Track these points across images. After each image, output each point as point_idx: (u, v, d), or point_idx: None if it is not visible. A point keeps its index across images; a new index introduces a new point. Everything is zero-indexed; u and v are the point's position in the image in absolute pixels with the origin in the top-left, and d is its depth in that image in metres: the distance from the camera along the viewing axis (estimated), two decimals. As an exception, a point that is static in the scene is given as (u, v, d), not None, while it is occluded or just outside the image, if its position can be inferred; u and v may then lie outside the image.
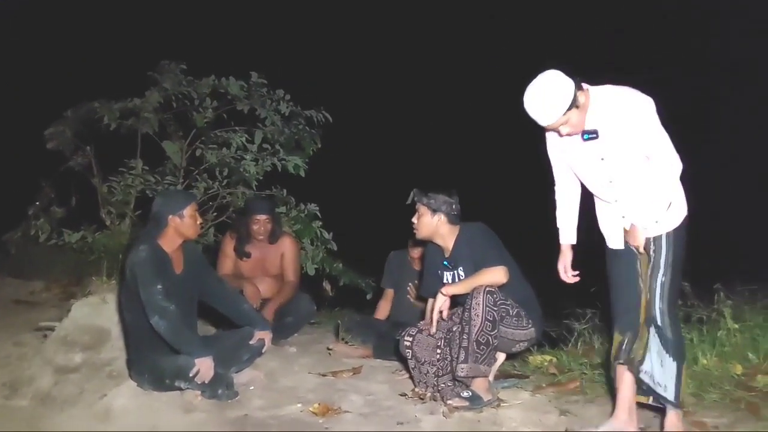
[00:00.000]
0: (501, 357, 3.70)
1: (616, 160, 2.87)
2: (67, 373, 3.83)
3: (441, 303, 3.50)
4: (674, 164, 2.77)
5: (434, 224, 3.68)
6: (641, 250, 2.88)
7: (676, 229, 2.85)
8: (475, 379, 3.38)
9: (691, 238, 2.92)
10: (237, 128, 6.55)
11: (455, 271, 3.66)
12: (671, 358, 2.82)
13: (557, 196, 3.24)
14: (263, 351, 3.87)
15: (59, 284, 6.23)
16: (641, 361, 2.87)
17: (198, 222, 3.65)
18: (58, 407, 3.57)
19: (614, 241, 3.04)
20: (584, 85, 2.84)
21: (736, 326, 3.82)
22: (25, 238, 6.43)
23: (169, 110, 6.55)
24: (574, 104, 2.76)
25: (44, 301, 5.92)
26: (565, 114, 2.77)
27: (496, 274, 3.43)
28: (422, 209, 3.70)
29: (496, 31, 13.97)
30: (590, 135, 2.86)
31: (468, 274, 3.54)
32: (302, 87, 7.11)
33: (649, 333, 2.86)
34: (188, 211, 3.58)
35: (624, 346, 2.98)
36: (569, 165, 3.09)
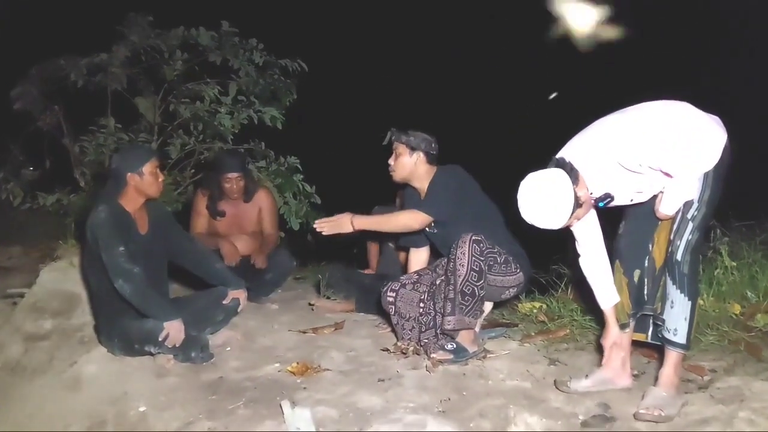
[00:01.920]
0: (488, 307, 3.56)
1: (650, 185, 2.70)
2: (37, 341, 3.68)
3: (342, 226, 3.36)
4: (689, 162, 2.55)
5: (412, 163, 3.51)
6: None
7: (715, 167, 2.61)
8: (460, 331, 3.24)
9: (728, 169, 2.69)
10: (209, 80, 6.28)
11: None
12: (686, 297, 2.63)
13: (586, 267, 2.95)
14: (239, 310, 3.71)
15: (38, 248, 6.04)
16: (660, 312, 2.75)
17: (160, 179, 3.42)
18: (27, 376, 3.44)
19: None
20: (575, 170, 2.61)
21: (734, 264, 3.67)
22: (-4, 202, 6.23)
23: (138, 65, 6.28)
24: (576, 205, 2.59)
25: (22, 265, 5.73)
26: (570, 218, 2.62)
27: (411, 219, 3.37)
28: (400, 148, 3.52)
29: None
30: (605, 201, 2.70)
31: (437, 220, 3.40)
32: (275, 35, 6.82)
33: (666, 276, 2.71)
34: (148, 167, 3.36)
35: (633, 295, 2.85)
36: None
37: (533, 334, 3.60)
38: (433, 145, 3.53)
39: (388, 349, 3.43)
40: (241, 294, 3.68)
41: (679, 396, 2.65)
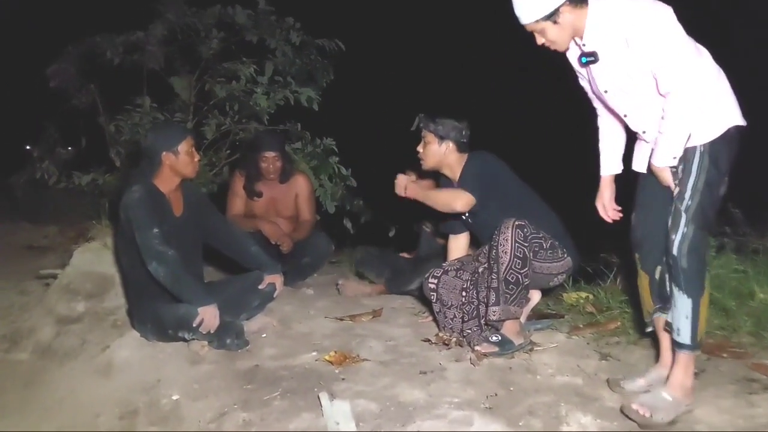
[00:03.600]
0: (536, 296, 3.40)
1: (622, 88, 2.48)
2: (69, 324, 3.61)
3: (399, 182, 3.40)
4: (684, 80, 2.30)
5: (442, 152, 3.35)
6: (671, 186, 2.47)
7: (712, 143, 2.37)
8: (504, 322, 3.07)
9: (737, 155, 2.44)
10: (245, 60, 6.16)
11: None
12: (684, 294, 2.40)
13: (598, 123, 2.81)
14: (275, 296, 3.59)
15: (74, 228, 6.02)
16: None
17: (195, 159, 3.30)
18: (58, 360, 3.36)
19: (638, 162, 2.66)
20: (588, 1, 2.41)
21: (800, 252, 3.45)
22: (31, 181, 6.21)
23: (174, 43, 6.20)
24: (551, 17, 2.39)
25: (57, 245, 5.72)
26: (538, 22, 2.42)
27: (455, 198, 3.22)
28: (429, 136, 3.36)
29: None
30: (588, 58, 2.48)
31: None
32: (313, 14, 6.67)
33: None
34: (183, 146, 3.23)
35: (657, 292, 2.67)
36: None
37: (581, 326, 3.42)
38: (463, 133, 3.36)
39: (429, 340, 3.27)
40: (277, 279, 3.56)
41: (686, 400, 2.45)
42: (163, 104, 6.33)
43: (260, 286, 3.51)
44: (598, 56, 2.46)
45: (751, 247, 3.70)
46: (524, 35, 2.54)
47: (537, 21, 2.42)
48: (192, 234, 3.39)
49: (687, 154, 2.40)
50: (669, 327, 2.53)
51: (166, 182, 3.26)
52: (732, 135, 2.39)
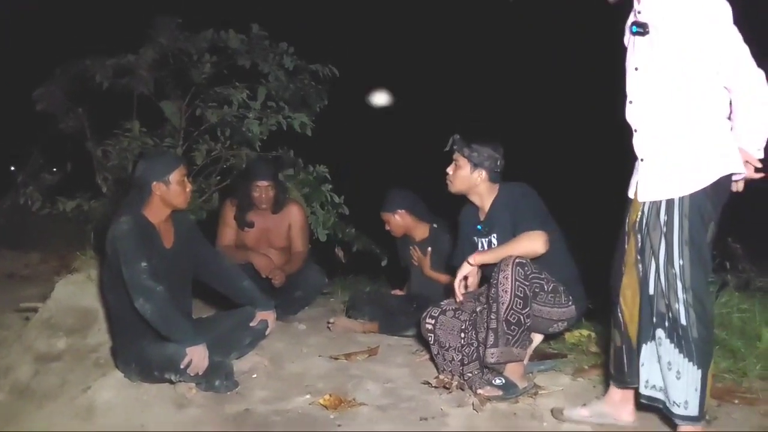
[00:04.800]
0: (537, 338, 3.25)
1: (650, 72, 2.35)
2: (49, 362, 3.43)
3: (466, 272, 3.04)
4: (759, 84, 2.23)
5: (473, 180, 3.20)
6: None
7: (700, 192, 2.26)
8: (507, 364, 2.93)
9: (726, 203, 2.34)
10: (238, 85, 6.04)
11: (489, 238, 3.19)
12: (695, 366, 2.24)
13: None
14: (267, 333, 3.43)
15: (56, 256, 5.85)
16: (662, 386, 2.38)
17: (187, 189, 3.17)
18: (36, 401, 3.16)
19: (631, 187, 2.51)
20: None
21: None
22: (14, 207, 6.04)
23: (166, 67, 6.07)
24: None
25: (38, 274, 5.55)
26: None
27: (534, 241, 2.92)
28: (461, 161, 3.20)
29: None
30: (638, 29, 2.34)
31: (502, 243, 3.06)
32: (307, 40, 6.59)
33: (654, 340, 2.34)
34: (175, 176, 3.10)
35: (615, 363, 2.55)
36: None
37: (586, 367, 3.28)
38: (498, 163, 3.21)
39: (429, 383, 3.12)
40: (269, 316, 3.41)
41: None
42: (153, 129, 6.19)
43: (252, 324, 3.36)
44: (648, 29, 2.33)
45: (754, 285, 3.59)
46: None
47: None
48: (182, 266, 3.24)
49: (669, 208, 2.30)
50: (659, 402, 2.37)
51: (156, 213, 3.12)
52: (723, 181, 2.29)
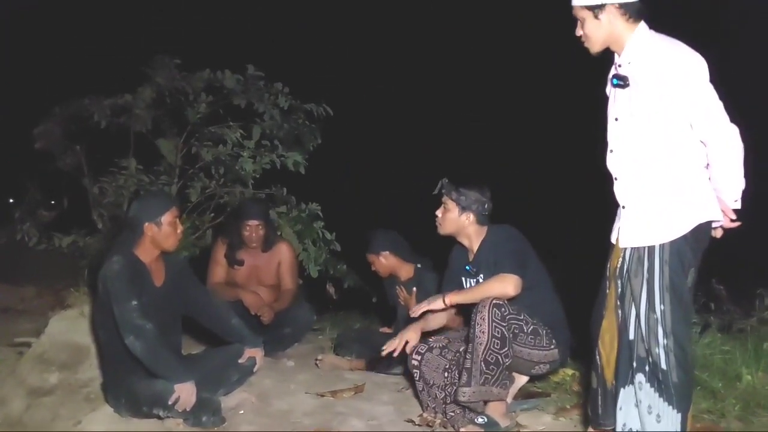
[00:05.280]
0: (521, 378, 3.30)
1: (630, 123, 2.45)
2: (41, 396, 3.48)
3: (435, 306, 3.14)
4: (732, 139, 2.34)
5: (461, 222, 3.30)
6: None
7: (680, 239, 2.35)
8: (490, 403, 3.00)
9: (705, 250, 2.44)
10: (233, 124, 6.17)
11: (478, 279, 3.27)
12: (674, 409, 2.32)
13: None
14: (255, 370, 3.50)
15: (51, 290, 5.92)
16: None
17: (178, 230, 3.26)
18: (28, 436, 3.23)
19: (613, 233, 2.59)
20: (640, 22, 2.43)
21: (785, 336, 3.42)
22: (11, 242, 6.11)
23: (163, 106, 6.20)
24: (595, 9, 2.40)
25: (33, 308, 5.61)
26: (582, 8, 2.44)
27: (504, 284, 3.01)
28: (450, 204, 3.31)
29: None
30: (619, 81, 2.45)
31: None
32: (301, 80, 6.74)
33: (633, 385, 2.42)
34: (167, 217, 3.20)
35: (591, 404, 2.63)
36: None
37: (568, 407, 3.34)
38: (485, 206, 3.31)
39: (412, 421, 3.19)
40: (257, 353, 3.48)
41: None
42: (149, 165, 6.29)
43: (240, 360, 3.42)
44: (628, 82, 2.43)
45: (736, 327, 3.67)
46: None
47: (582, 7, 2.43)
48: (172, 305, 3.33)
49: (649, 255, 2.38)
50: None
51: (147, 253, 3.22)
52: (702, 228, 2.39)
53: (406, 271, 4.32)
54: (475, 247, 3.33)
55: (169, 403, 3.02)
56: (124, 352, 3.07)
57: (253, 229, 4.35)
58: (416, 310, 3.18)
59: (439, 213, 3.37)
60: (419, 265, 4.29)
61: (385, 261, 4.31)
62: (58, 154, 6.09)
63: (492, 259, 3.20)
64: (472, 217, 3.30)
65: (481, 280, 3.25)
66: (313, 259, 6.16)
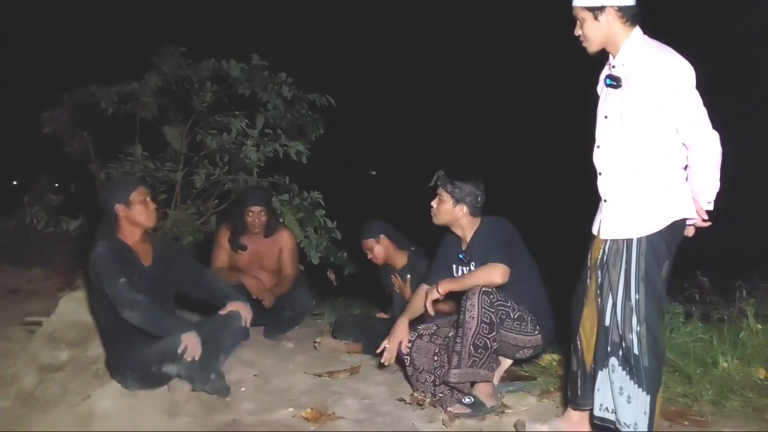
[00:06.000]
0: (506, 362, 3.48)
1: (618, 121, 2.60)
2: (52, 372, 3.66)
3: (434, 298, 3.31)
4: (713, 144, 2.51)
5: (455, 214, 3.46)
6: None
7: (655, 234, 2.52)
8: (477, 384, 3.18)
9: (678, 245, 2.60)
10: (237, 113, 6.32)
11: (469, 266, 3.44)
12: (644, 391, 2.49)
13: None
14: (244, 324, 3.44)
15: (58, 272, 6.09)
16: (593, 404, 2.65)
17: (150, 208, 3.40)
18: (40, 408, 3.40)
19: (595, 224, 2.76)
20: (635, 26, 2.58)
21: (759, 326, 3.58)
22: (20, 226, 6.28)
23: (169, 94, 6.35)
24: (595, 11, 2.55)
25: (42, 290, 5.77)
26: (583, 9, 2.58)
27: (492, 273, 3.19)
28: (444, 195, 3.47)
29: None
30: (612, 81, 2.60)
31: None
32: (305, 70, 6.88)
33: (608, 368, 2.59)
34: (136, 196, 3.35)
35: (571, 386, 2.81)
36: None
37: (552, 389, 3.52)
38: (479, 199, 3.46)
39: (404, 400, 3.36)
40: (239, 305, 3.45)
41: None
42: (155, 152, 6.44)
43: (221, 312, 3.44)
44: (621, 83, 2.57)
45: (716, 317, 3.83)
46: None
47: (582, 7, 2.58)
48: (162, 283, 3.48)
49: (627, 247, 2.54)
50: (610, 423, 2.59)
51: (129, 234, 3.38)
52: (677, 225, 2.54)
53: (400, 258, 4.48)
54: (468, 237, 3.49)
55: (179, 352, 3.14)
56: (123, 328, 3.23)
57: (255, 215, 4.52)
58: (429, 310, 3.34)
59: (434, 204, 3.52)
60: (413, 248, 4.46)
61: (382, 245, 4.47)
62: (66, 139, 6.26)
63: (483, 248, 3.36)
64: (465, 208, 3.45)
65: (473, 268, 3.41)
66: (315, 246, 6.32)
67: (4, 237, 6.49)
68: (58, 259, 6.35)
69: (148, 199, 3.42)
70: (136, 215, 3.36)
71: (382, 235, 4.47)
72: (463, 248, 3.51)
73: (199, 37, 6.89)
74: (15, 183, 7.14)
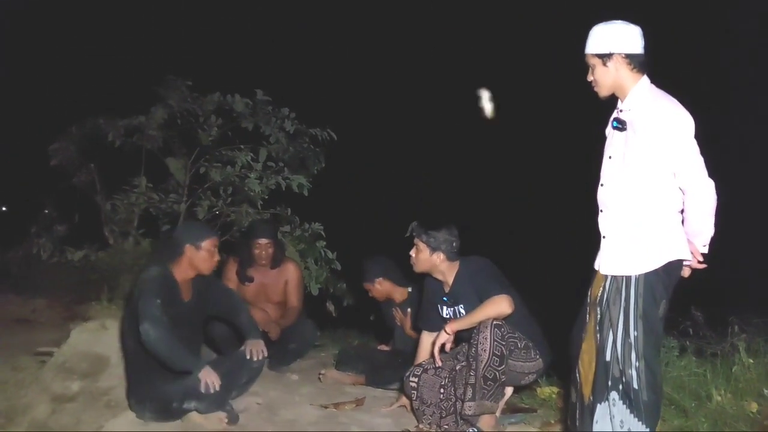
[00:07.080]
0: (508, 391, 3.59)
1: (621, 162, 2.73)
2: (64, 402, 3.73)
3: (443, 340, 3.39)
4: (709, 191, 2.65)
5: (433, 261, 3.61)
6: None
7: (652, 273, 2.64)
8: (481, 416, 3.28)
9: (675, 285, 2.71)
10: (242, 146, 6.47)
11: (456, 308, 3.58)
12: (643, 425, 2.60)
13: None
14: (258, 358, 3.59)
15: (62, 302, 6.16)
16: None
17: (214, 258, 3.55)
18: (54, 438, 3.48)
19: (597, 260, 2.88)
20: (643, 74, 2.73)
21: (751, 361, 3.70)
22: (26, 256, 6.37)
23: (174, 127, 6.49)
24: (604, 58, 2.70)
25: (46, 320, 5.86)
26: (593, 56, 2.73)
27: (500, 304, 3.31)
28: (421, 245, 3.62)
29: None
30: (618, 124, 2.74)
31: (470, 311, 3.44)
32: (307, 105, 7.04)
33: (608, 401, 2.68)
34: (207, 244, 3.50)
35: (570, 417, 2.88)
36: None
37: (552, 421, 3.62)
38: (453, 244, 3.60)
39: (408, 431, 3.46)
40: (256, 344, 3.60)
41: None
42: (159, 183, 6.57)
43: (241, 349, 3.60)
44: (626, 126, 2.71)
45: (709, 351, 3.94)
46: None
47: (593, 55, 2.72)
48: (196, 319, 3.62)
49: (626, 285, 2.66)
50: None
51: (182, 272, 3.50)
52: (674, 265, 2.67)
53: (400, 293, 4.62)
54: (451, 280, 3.63)
55: (201, 390, 3.24)
56: (148, 358, 3.31)
57: (262, 247, 4.65)
58: (436, 359, 3.41)
59: (412, 254, 3.68)
60: (410, 290, 4.60)
61: (381, 286, 4.63)
62: (72, 171, 6.37)
63: (470, 288, 3.51)
64: (442, 255, 3.60)
65: (460, 309, 3.55)
66: (315, 277, 6.44)
67: (11, 267, 6.56)
68: (61, 290, 6.42)
69: (216, 250, 3.57)
70: (199, 260, 3.49)
71: (380, 279, 4.62)
72: (446, 290, 3.65)
73: (204, 71, 7.03)
74: (3, 209, 7.22)
